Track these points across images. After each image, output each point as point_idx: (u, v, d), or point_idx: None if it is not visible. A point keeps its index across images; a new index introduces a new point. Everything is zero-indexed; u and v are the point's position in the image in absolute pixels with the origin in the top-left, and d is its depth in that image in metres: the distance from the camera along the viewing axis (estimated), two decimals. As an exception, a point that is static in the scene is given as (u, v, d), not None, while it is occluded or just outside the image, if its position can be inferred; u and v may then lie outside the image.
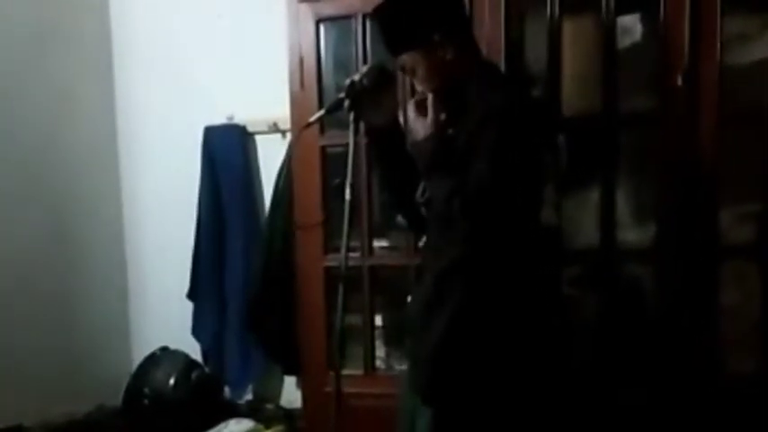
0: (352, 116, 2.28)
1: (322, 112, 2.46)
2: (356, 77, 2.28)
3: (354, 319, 2.90)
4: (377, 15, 2.22)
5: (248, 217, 3.63)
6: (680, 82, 2.49)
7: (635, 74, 2.60)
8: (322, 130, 2.90)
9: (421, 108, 2.19)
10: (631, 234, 2.64)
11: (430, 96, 2.18)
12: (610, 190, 2.61)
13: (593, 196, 2.61)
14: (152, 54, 3.84)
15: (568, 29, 2.60)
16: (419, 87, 2.28)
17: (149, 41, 3.84)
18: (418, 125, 2.20)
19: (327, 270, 2.95)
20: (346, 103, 2.26)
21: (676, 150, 2.52)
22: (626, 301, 2.66)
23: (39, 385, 3.48)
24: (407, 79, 2.56)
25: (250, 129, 3.62)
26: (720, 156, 2.48)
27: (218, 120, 3.63)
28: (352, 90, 2.26)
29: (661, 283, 2.60)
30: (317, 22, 2.90)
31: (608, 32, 2.56)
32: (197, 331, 3.72)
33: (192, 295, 3.71)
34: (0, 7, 3.42)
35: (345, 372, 2.81)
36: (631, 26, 2.63)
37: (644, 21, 2.63)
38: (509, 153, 2.03)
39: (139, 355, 3.78)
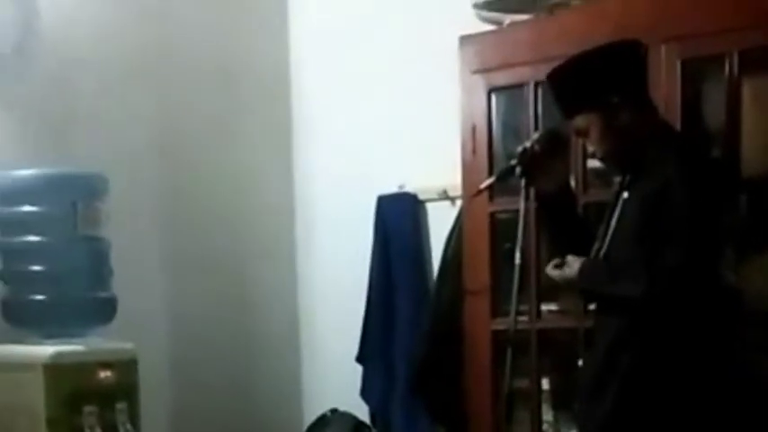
0: (523, 182, 2.33)
1: (493, 178, 2.53)
2: (528, 144, 2.34)
3: (522, 383, 2.88)
4: (553, 78, 2.25)
5: (417, 282, 3.70)
6: None
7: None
8: (491, 197, 2.94)
9: None
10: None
11: None
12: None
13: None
14: (329, 128, 4.04)
15: (748, 88, 2.54)
16: (592, 150, 2.29)
17: (327, 116, 4.04)
18: None
19: (495, 334, 2.96)
20: (518, 169, 2.32)
21: None
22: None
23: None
24: (580, 144, 2.60)
25: (421, 197, 3.72)
26: None
27: (391, 188, 3.75)
28: (524, 156, 2.31)
29: None
30: (490, 92, 2.99)
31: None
32: (366, 393, 3.77)
33: (361, 358, 3.79)
34: (183, 92, 3.71)
35: (513, 436, 2.82)
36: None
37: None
38: (700, 234, 2.02)
39: (310, 416, 3.87)
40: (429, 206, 3.73)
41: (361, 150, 3.89)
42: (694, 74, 2.64)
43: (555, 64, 2.24)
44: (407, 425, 3.61)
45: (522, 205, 2.36)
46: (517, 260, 2.38)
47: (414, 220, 3.73)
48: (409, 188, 3.72)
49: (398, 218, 3.74)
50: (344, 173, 3.95)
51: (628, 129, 2.17)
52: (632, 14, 2.66)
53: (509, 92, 3.01)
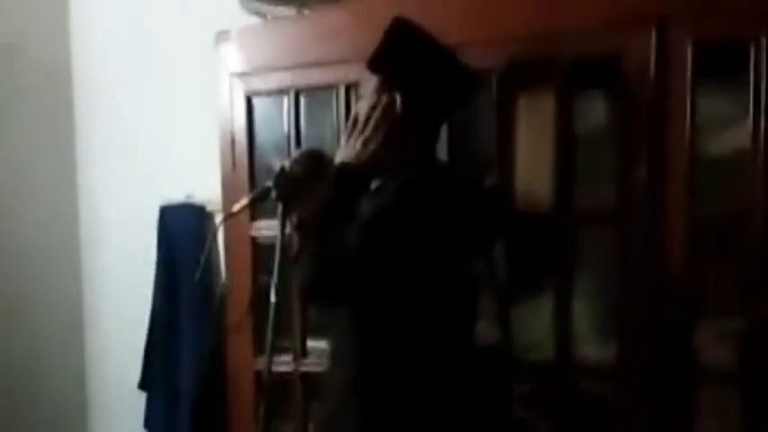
0: (280, 207, 2.09)
1: (246, 200, 2.23)
2: (286, 164, 2.08)
3: (289, 427, 2.60)
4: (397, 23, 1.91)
5: (203, 302, 3.31)
6: (643, 173, 2.10)
7: (595, 162, 2.22)
8: (252, 218, 2.61)
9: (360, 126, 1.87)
10: (591, 349, 2.24)
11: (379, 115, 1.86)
12: (566, 297, 2.22)
13: (547, 304, 2.23)
14: (114, 125, 3.65)
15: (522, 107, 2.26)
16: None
17: (112, 109, 3.65)
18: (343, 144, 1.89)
19: (257, 374, 2.62)
20: (274, 192, 2.08)
21: (639, 254, 2.12)
22: (585, 424, 2.26)
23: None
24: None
25: (209, 208, 3.33)
26: (692, 260, 2.08)
27: (177, 198, 3.37)
28: (281, 178, 2.07)
29: (626, 407, 2.18)
30: (249, 99, 2.62)
31: (564, 113, 2.20)
32: (150, 422, 3.43)
33: (143, 385, 3.44)
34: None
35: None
36: (592, 107, 2.25)
37: (607, 101, 2.25)
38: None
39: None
40: (219, 218, 3.36)
41: (146, 154, 3.51)
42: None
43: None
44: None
45: (279, 233, 2.10)
46: (273, 298, 2.13)
47: (201, 235, 3.35)
48: (197, 198, 3.34)
49: (184, 231, 3.36)
50: (129, 180, 3.58)
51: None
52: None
53: (270, 99, 2.62)
